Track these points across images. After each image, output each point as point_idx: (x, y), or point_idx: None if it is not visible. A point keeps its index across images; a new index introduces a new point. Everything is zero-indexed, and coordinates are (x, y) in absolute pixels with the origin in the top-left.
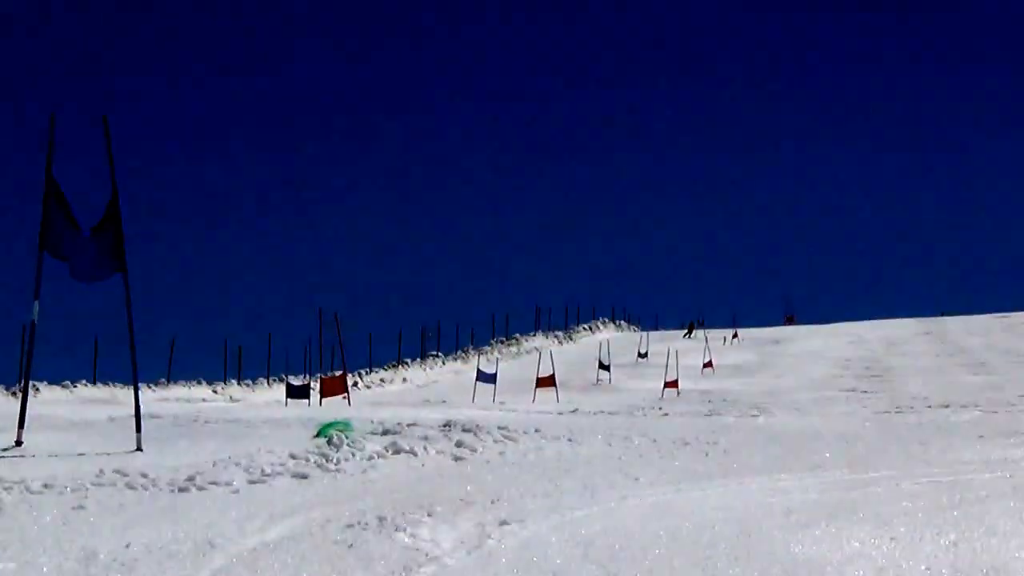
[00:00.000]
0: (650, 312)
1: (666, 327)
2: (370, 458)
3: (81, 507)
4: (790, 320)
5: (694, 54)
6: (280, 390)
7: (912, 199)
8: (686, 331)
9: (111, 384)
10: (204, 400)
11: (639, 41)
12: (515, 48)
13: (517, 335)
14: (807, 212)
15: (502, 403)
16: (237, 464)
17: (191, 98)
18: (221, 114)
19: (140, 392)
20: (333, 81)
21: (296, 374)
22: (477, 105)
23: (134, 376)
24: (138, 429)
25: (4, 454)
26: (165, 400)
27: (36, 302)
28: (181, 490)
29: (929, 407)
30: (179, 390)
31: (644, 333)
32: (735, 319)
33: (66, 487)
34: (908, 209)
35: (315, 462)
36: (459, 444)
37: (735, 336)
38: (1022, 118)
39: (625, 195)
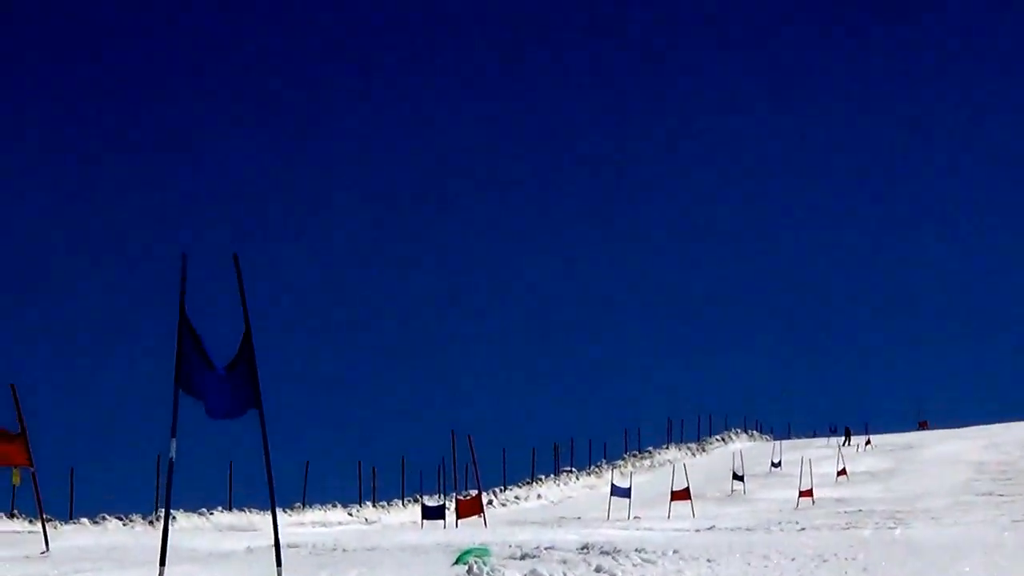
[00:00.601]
0: (782, 421)
1: (798, 435)
2: None
3: None
4: (923, 425)
5: (810, 146)
6: (415, 511)
7: None
8: (844, 438)
9: (247, 510)
10: (340, 524)
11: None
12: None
13: (650, 448)
14: (937, 313)
15: (637, 518)
16: None
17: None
18: (339, 229)
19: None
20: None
21: (431, 495)
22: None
23: (272, 510)
24: (278, 563)
25: None
26: (301, 524)
27: (173, 440)
28: None
29: None
30: (315, 514)
31: (777, 442)
32: (867, 425)
33: None
34: None
35: None
36: (599, 570)
37: (868, 442)
38: None
39: (752, 302)
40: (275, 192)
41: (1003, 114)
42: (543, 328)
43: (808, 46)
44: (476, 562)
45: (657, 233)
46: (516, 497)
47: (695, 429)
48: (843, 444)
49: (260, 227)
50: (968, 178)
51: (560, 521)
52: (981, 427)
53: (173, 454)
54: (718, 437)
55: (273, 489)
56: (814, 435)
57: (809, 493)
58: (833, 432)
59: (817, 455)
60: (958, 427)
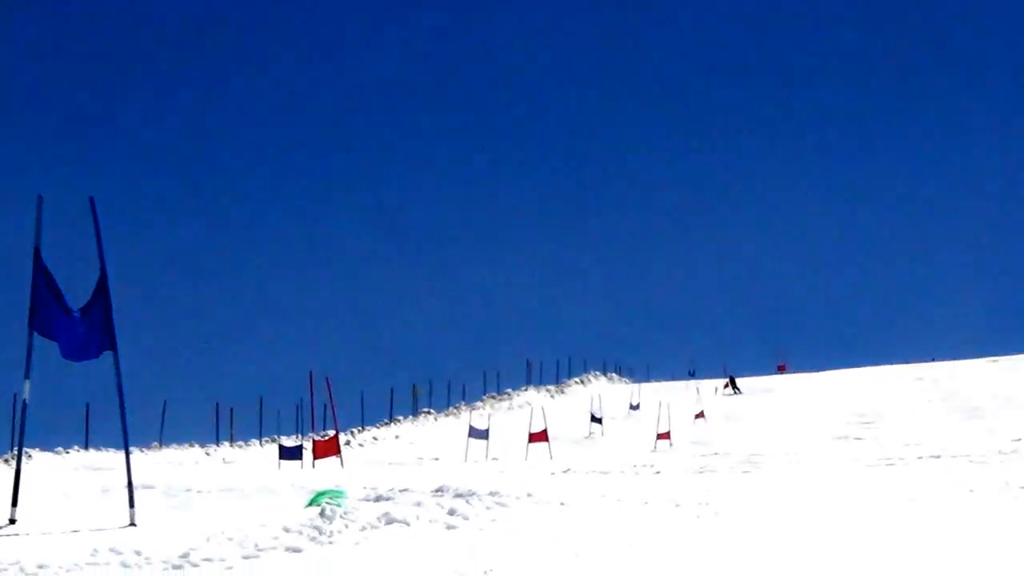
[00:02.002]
0: (642, 364)
1: (658, 378)
2: (363, 529)
3: None
4: (782, 369)
5: (693, 112)
6: (272, 451)
7: (901, 247)
8: (727, 384)
9: (103, 449)
10: (196, 463)
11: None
12: (513, 92)
13: (509, 390)
14: (798, 259)
15: (495, 459)
16: (230, 539)
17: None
18: (197, 178)
19: (132, 456)
20: (324, 133)
21: (288, 435)
22: (461, 157)
23: (126, 451)
24: (131, 504)
25: None
26: (157, 464)
27: (27, 381)
28: (175, 567)
29: (920, 458)
30: (172, 453)
31: (636, 385)
32: (726, 368)
33: (61, 567)
34: (898, 256)
35: (308, 535)
36: (452, 512)
37: (727, 385)
38: (1015, 152)
39: (615, 246)
40: (132, 133)
41: None
42: (402, 268)
43: None
44: (330, 507)
45: (512, 170)
46: (374, 438)
47: (554, 372)
48: (728, 390)
49: (117, 169)
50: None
51: (418, 462)
52: (839, 372)
53: (27, 396)
54: (577, 379)
55: (126, 429)
56: (673, 379)
57: (667, 435)
58: (692, 375)
59: (676, 398)
60: (817, 371)
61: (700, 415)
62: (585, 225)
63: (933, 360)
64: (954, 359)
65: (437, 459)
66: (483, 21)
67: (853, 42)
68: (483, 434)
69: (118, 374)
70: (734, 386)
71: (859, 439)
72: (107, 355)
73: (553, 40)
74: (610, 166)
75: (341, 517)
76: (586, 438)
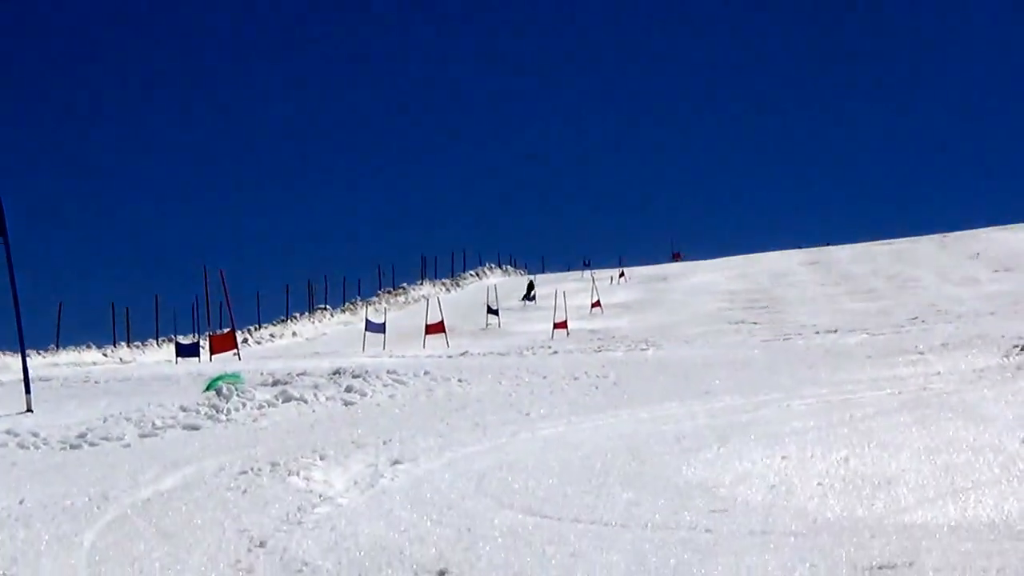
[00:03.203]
0: (536, 255)
1: (553, 270)
2: (260, 407)
3: None
4: (677, 257)
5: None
6: (170, 350)
7: (792, 130)
8: (525, 293)
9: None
10: (95, 364)
11: None
12: None
13: (404, 284)
14: (688, 147)
15: (392, 352)
16: (128, 419)
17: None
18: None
19: (29, 358)
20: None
21: (185, 334)
22: (348, 48)
23: (20, 340)
24: (27, 391)
25: None
26: (55, 365)
27: None
28: (73, 447)
29: (817, 333)
30: (68, 355)
31: (531, 276)
32: (621, 258)
33: None
34: (789, 140)
35: (206, 413)
36: (349, 389)
37: (622, 275)
38: (904, 31)
39: (505, 136)
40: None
41: None
42: (297, 165)
43: None
44: (227, 386)
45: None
46: (271, 335)
47: (449, 266)
48: (523, 299)
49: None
50: None
51: (314, 356)
52: (733, 258)
53: None
54: (472, 272)
55: (20, 318)
56: (568, 269)
57: (564, 325)
58: (587, 266)
59: (572, 288)
60: (711, 259)
61: (596, 304)
62: (473, 112)
63: (828, 244)
64: (849, 243)
65: (334, 353)
66: None
67: None
68: (380, 328)
69: (9, 262)
70: (529, 295)
71: (755, 323)
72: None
73: None
74: (510, 53)
75: (238, 396)
76: (483, 329)
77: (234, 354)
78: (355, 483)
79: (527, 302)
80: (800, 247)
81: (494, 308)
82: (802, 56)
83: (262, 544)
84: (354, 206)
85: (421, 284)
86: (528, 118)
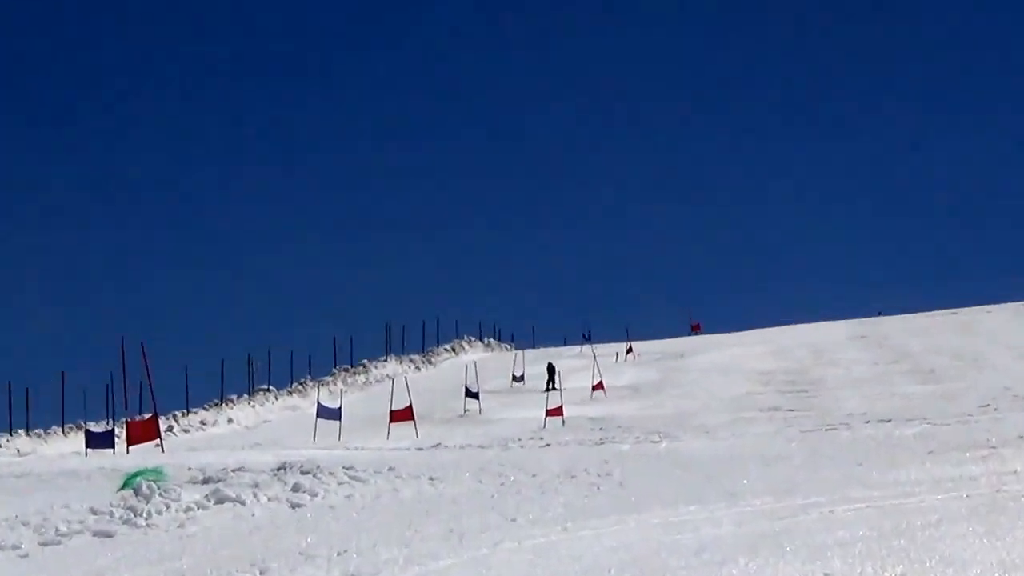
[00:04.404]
0: (525, 326)
1: (546, 343)
2: (188, 509)
3: None
4: (696, 329)
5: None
6: (78, 440)
7: (835, 174)
8: (548, 378)
9: None
10: None
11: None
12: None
13: (365, 361)
14: (710, 197)
15: (349, 444)
16: (25, 524)
17: None
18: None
19: None
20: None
21: (97, 420)
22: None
23: None
24: None
25: None
26: None
27: None
28: None
29: (867, 422)
30: None
31: (519, 351)
32: (628, 331)
33: None
34: (831, 188)
35: (121, 517)
36: (296, 488)
37: (629, 351)
38: (957, 98)
39: (486, 180)
40: None
41: None
42: (234, 217)
43: None
44: (147, 484)
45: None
46: (202, 422)
47: (419, 338)
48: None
49: None
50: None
51: (255, 447)
52: (764, 330)
53: None
54: (447, 347)
55: None
56: (564, 343)
57: (558, 411)
58: (587, 340)
59: (568, 366)
60: (737, 331)
61: (598, 386)
62: (453, 167)
63: (879, 315)
64: (903, 313)
65: (279, 443)
66: None
67: None
68: (335, 413)
69: None
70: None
71: (792, 410)
72: None
73: None
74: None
75: (161, 496)
76: (460, 416)
77: (156, 445)
78: None
79: (522, 383)
80: (845, 318)
81: (473, 391)
82: (849, 95)
83: None
84: (304, 266)
85: (385, 361)
86: (515, 155)
